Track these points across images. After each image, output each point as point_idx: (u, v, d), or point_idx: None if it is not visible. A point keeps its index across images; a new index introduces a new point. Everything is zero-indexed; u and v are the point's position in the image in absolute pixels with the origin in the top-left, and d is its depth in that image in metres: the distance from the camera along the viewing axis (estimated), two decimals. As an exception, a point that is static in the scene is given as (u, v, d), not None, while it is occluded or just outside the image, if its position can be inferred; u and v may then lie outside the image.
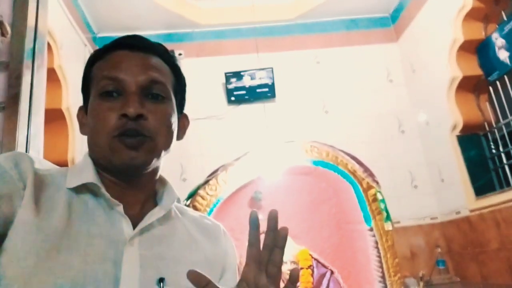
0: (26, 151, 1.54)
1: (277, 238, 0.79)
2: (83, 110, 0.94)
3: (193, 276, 0.69)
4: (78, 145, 3.76)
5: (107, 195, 0.84)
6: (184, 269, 0.80)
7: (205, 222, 1.02)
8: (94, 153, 0.89)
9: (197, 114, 4.40)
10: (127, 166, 0.85)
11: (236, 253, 1.04)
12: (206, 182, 4.03)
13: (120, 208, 0.84)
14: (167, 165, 0.97)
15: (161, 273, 0.82)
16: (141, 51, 0.90)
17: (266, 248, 0.79)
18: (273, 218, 0.79)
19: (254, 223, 0.79)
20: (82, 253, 0.76)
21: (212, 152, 4.39)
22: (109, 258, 0.78)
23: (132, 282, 0.78)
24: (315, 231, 4.31)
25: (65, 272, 0.73)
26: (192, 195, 3.99)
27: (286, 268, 3.74)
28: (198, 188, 4.00)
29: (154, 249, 0.85)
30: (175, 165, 4.26)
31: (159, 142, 0.87)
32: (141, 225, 0.85)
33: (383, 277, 3.85)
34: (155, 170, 0.93)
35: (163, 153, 0.89)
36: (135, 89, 0.85)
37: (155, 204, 0.93)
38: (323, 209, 4.38)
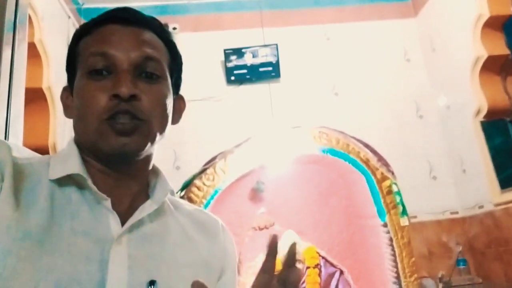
0: (6, 137, 1.53)
1: (290, 276, 0.81)
2: (68, 91, 0.94)
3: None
4: (60, 129, 3.75)
5: (94, 188, 0.83)
6: (178, 270, 0.87)
7: (201, 217, 1.03)
8: (81, 139, 0.89)
9: (193, 95, 4.31)
10: (118, 153, 0.85)
11: (236, 252, 1.06)
12: (203, 171, 3.95)
13: (108, 203, 0.84)
14: (159, 151, 0.98)
15: (152, 275, 0.82)
16: (133, 25, 0.90)
17: (279, 282, 0.82)
18: (291, 251, 0.82)
19: (273, 250, 0.80)
20: (65, 253, 0.76)
21: (209, 137, 4.37)
22: (94, 259, 0.78)
23: (119, 285, 0.78)
24: (323, 226, 4.27)
25: (47, 274, 0.73)
26: (187, 186, 3.93)
27: (290, 267, 3.78)
28: (194, 177, 3.93)
29: (145, 249, 0.85)
30: (168, 152, 4.25)
31: (153, 126, 0.87)
32: (130, 221, 0.85)
33: (398, 277, 3.79)
34: (148, 158, 0.94)
35: (157, 138, 0.89)
36: (127, 67, 0.85)
37: (147, 197, 0.93)
38: (332, 202, 4.34)
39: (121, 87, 0.82)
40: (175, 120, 0.99)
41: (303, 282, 3.88)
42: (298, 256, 3.84)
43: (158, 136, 0.90)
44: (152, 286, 0.81)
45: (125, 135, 0.83)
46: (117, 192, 0.88)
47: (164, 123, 0.91)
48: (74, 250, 0.77)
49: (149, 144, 0.88)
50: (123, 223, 0.84)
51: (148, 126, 0.86)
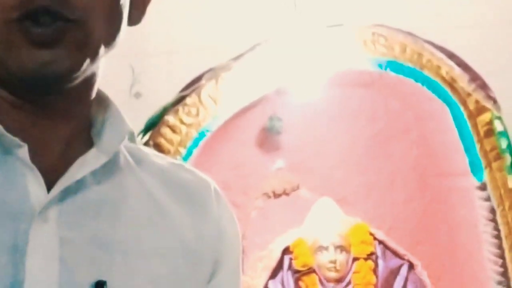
0: None
1: None
2: None
3: None
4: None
5: None
6: (141, 263, 0.76)
7: (182, 177, 0.87)
8: None
9: (160, -26, 3.54)
10: (35, 77, 0.68)
11: (239, 233, 0.91)
12: (180, 100, 3.36)
13: (23, 151, 0.69)
14: (105, 68, 0.80)
15: (100, 271, 0.68)
16: None
17: None
18: None
19: None
20: None
21: (190, 44, 3.75)
22: (3, 246, 0.66)
23: None
24: (380, 191, 3.58)
25: None
26: (154, 125, 3.36)
27: (327, 259, 3.19)
28: (165, 110, 3.35)
29: (88, 228, 0.72)
30: (121, 69, 3.58)
31: (94, 31, 0.70)
32: (63, 183, 0.69)
33: (504, 273, 3.20)
34: (89, 81, 0.76)
35: (102, 51, 0.72)
36: None
37: (89, 143, 0.77)
38: (395, 151, 3.63)
39: None
40: (135, 19, 0.79)
41: (349, 283, 3.30)
42: (340, 241, 3.35)
43: (102, 48, 0.72)
44: None
45: (47, 46, 0.66)
46: (38, 134, 0.72)
47: (113, 25, 0.72)
48: None
49: (86, 61, 0.69)
50: (50, 186, 0.68)
51: (84, 30, 0.68)
